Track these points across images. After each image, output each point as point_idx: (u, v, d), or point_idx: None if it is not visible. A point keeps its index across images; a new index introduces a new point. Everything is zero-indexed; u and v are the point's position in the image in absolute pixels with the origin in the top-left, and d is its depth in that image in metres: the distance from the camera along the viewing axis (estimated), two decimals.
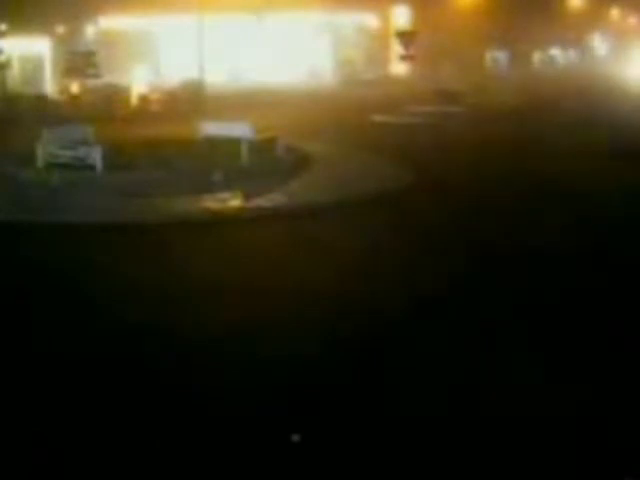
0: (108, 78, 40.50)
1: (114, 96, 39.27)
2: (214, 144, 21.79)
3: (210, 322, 11.07)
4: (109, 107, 37.51)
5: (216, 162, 20.27)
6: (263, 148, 21.83)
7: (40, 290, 12.68)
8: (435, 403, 8.57)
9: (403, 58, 44.07)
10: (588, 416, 8.29)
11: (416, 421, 8.20)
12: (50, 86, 47.59)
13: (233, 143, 21.32)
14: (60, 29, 49.88)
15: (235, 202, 18.22)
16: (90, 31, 52.73)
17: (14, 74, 45.29)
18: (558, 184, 20.15)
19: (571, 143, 26.96)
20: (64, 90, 41.47)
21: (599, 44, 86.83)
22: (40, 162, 20.97)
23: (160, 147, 22.72)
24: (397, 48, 44.67)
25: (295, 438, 7.78)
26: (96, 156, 20.21)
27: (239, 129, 22.14)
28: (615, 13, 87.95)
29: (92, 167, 20.21)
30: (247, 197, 18.41)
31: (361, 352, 9.97)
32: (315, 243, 15.23)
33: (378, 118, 35.54)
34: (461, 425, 8.14)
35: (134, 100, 40.45)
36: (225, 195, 18.49)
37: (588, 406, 8.45)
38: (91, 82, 39.25)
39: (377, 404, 8.64)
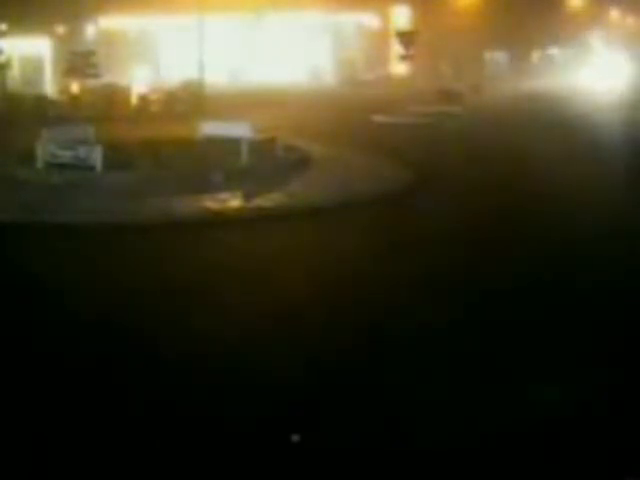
0: (108, 78, 40.49)
1: (114, 96, 39.27)
2: (214, 144, 21.78)
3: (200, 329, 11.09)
4: (109, 107, 37.51)
5: (216, 162, 20.27)
6: (263, 148, 21.82)
7: (37, 290, 12.68)
8: None
9: (403, 58, 44.07)
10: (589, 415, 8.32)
11: None
12: (50, 86, 47.59)
13: (233, 143, 21.31)
14: (60, 29, 49.87)
15: (235, 202, 18.21)
16: (90, 31, 52.74)
17: (14, 74, 45.27)
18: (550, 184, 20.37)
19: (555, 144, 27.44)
20: (64, 90, 41.46)
21: (598, 43, 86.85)
22: (40, 162, 20.97)
23: (160, 147, 22.71)
24: (397, 48, 44.69)
25: (295, 438, 7.79)
26: (96, 156, 20.20)
27: (239, 129, 22.13)
28: (615, 13, 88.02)
29: (92, 167, 20.20)
30: (247, 197, 18.41)
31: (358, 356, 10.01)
32: (314, 245, 15.23)
33: (378, 118, 35.54)
34: None
35: (134, 100, 40.43)
36: (225, 195, 18.49)
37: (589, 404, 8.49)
38: (91, 82, 39.24)
39: None
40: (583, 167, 22.59)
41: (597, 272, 13.16)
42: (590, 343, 10.18)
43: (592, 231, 15.71)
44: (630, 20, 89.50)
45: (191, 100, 39.33)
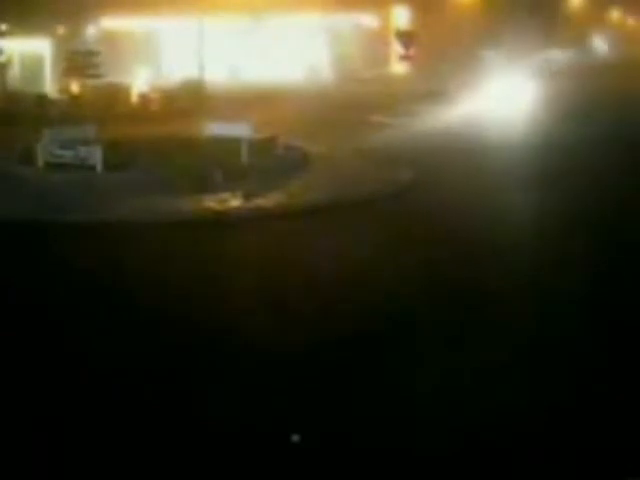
0: (110, 78, 40.41)
1: (114, 95, 39.25)
2: (214, 143, 21.77)
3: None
4: (109, 106, 37.47)
5: (216, 161, 20.25)
6: (263, 147, 21.81)
7: (38, 289, 12.73)
8: None
9: (402, 58, 43.98)
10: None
11: None
12: (51, 85, 47.53)
13: (233, 142, 21.29)
14: (61, 29, 49.83)
15: (235, 202, 18.20)
16: (91, 31, 52.70)
17: (15, 74, 45.23)
18: None
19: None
20: (64, 89, 41.41)
21: (599, 44, 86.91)
22: (40, 161, 20.97)
23: (160, 147, 22.64)
24: (397, 48, 44.58)
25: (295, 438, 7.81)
26: (96, 156, 20.20)
27: (239, 129, 22.13)
28: (615, 15, 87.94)
29: (92, 167, 20.20)
30: (247, 197, 18.39)
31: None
32: (312, 245, 15.25)
33: (372, 117, 35.30)
34: None
35: (134, 99, 40.41)
36: (225, 195, 18.48)
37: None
38: (92, 81, 39.18)
39: None
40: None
41: None
42: None
43: None
44: (631, 20, 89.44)
45: (191, 99, 39.31)
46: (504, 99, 37.47)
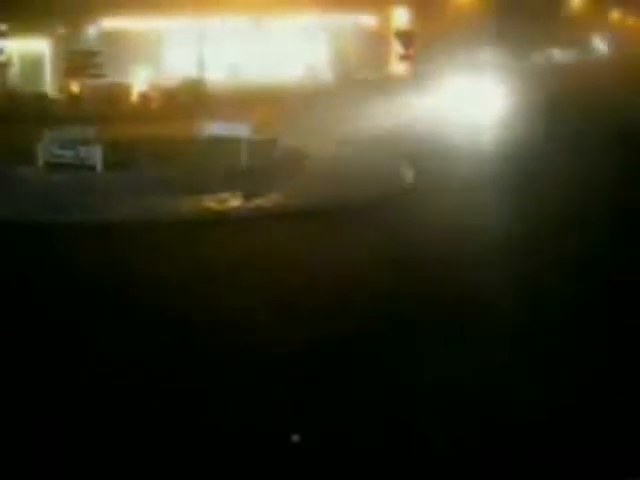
0: (110, 77, 40.41)
1: (115, 95, 39.28)
2: (214, 144, 21.77)
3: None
4: (109, 106, 37.48)
5: (216, 162, 20.25)
6: (263, 148, 21.81)
7: (38, 289, 12.75)
8: None
9: (402, 58, 44.03)
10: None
11: None
12: (51, 85, 47.53)
13: (233, 143, 21.29)
14: (61, 29, 49.81)
15: (234, 202, 18.21)
16: (92, 31, 52.70)
17: (15, 73, 45.26)
18: None
19: None
20: (64, 89, 41.41)
21: (599, 44, 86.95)
22: (40, 161, 20.97)
23: (160, 147, 22.64)
24: (397, 48, 44.63)
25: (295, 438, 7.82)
26: (96, 156, 20.20)
27: (239, 129, 22.13)
28: (615, 15, 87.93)
29: (92, 167, 20.20)
30: (246, 197, 18.40)
31: None
32: (309, 245, 15.27)
33: (368, 116, 35.27)
34: None
35: (134, 99, 40.43)
36: (225, 195, 18.49)
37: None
38: (92, 81, 39.17)
39: None
40: None
41: None
42: None
43: None
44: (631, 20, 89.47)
45: (191, 98, 39.33)
46: (489, 98, 37.48)
